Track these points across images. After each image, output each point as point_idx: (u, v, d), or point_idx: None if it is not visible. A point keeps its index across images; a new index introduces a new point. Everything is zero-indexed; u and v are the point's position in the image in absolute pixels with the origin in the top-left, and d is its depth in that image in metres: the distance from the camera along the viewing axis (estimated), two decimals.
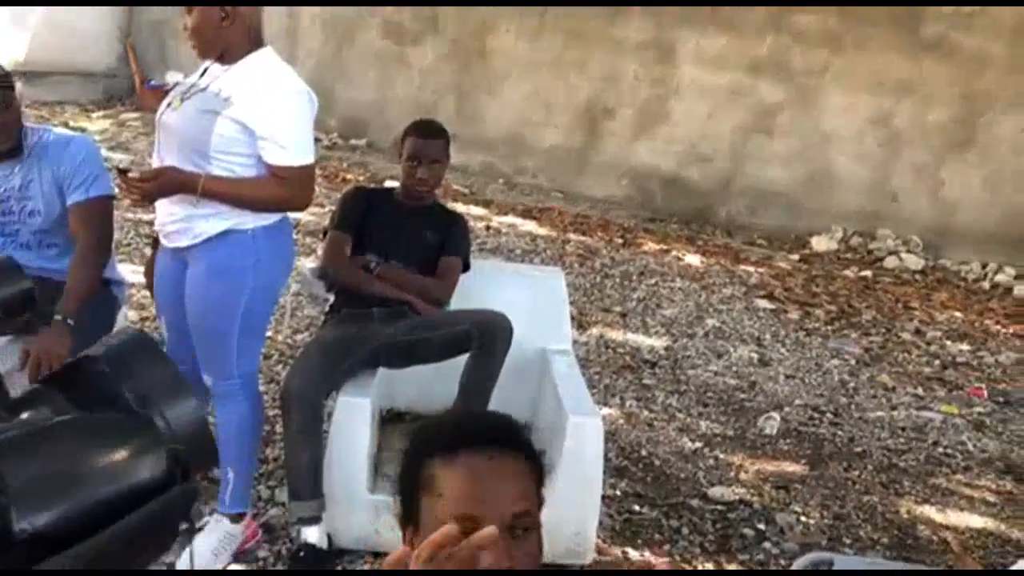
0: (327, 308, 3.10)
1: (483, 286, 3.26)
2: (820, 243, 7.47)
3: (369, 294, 2.97)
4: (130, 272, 3.79)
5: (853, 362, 5.14)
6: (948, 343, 5.65)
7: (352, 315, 2.94)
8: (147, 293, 4.43)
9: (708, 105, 7.85)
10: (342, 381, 2.78)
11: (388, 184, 3.39)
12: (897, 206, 7.50)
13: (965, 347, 5.61)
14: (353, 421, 2.72)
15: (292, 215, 2.63)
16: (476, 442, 1.16)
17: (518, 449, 1.18)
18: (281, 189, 2.40)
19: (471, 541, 0.87)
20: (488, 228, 6.80)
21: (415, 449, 1.19)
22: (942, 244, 7.38)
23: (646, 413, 4.16)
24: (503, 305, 2.98)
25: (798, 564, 1.59)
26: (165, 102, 2.48)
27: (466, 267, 3.21)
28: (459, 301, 3.12)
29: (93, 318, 2.64)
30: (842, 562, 1.55)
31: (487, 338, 2.80)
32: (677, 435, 3.98)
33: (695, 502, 3.43)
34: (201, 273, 2.45)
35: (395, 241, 3.05)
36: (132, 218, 5.58)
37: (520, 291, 3.32)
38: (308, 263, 4.59)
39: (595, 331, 5.08)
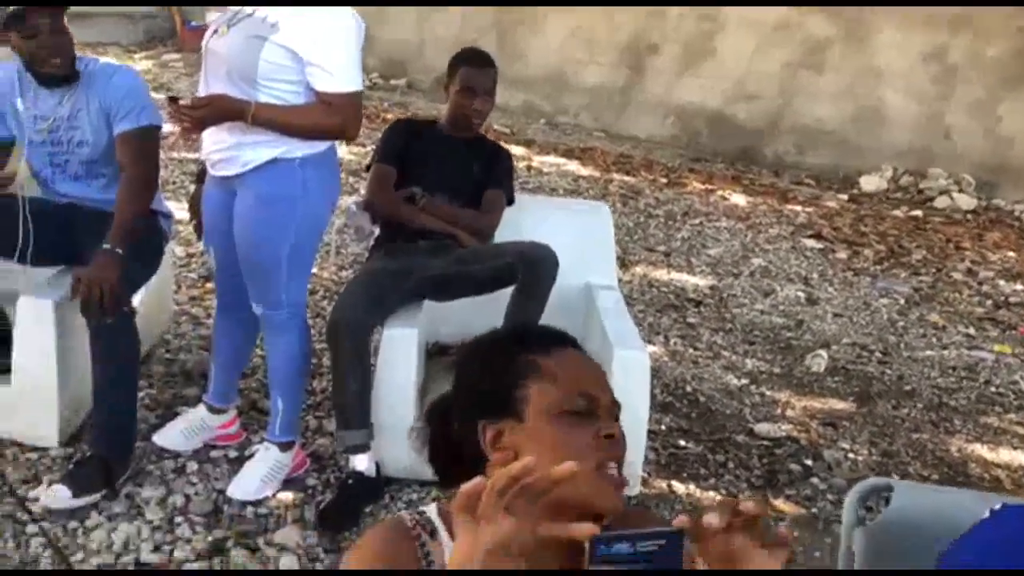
0: (372, 241, 3.09)
1: (527, 221, 3.23)
2: (869, 182, 7.31)
3: (414, 227, 2.95)
4: (175, 210, 3.80)
5: (902, 301, 5.05)
6: (1001, 283, 5.52)
7: (397, 248, 2.93)
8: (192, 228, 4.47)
9: (755, 41, 7.65)
10: (388, 313, 2.78)
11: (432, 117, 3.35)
12: (950, 144, 7.30)
13: (1019, 287, 5.48)
14: (400, 352, 2.73)
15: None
16: (562, 342, 1.19)
17: None
18: (330, 116, 2.37)
19: (550, 474, 0.84)
20: (529, 168, 6.73)
21: (505, 346, 1.19)
22: (996, 183, 7.18)
23: (691, 351, 4.12)
24: (547, 240, 2.94)
25: (855, 491, 1.56)
26: (211, 28, 2.46)
27: (510, 201, 3.17)
28: (503, 236, 3.09)
29: (142, 248, 2.65)
30: (901, 488, 1.52)
31: (532, 270, 2.77)
32: (722, 372, 3.95)
33: (741, 438, 3.41)
34: (249, 202, 2.45)
35: (440, 174, 3.02)
36: (176, 157, 5.60)
37: (565, 226, 3.27)
38: (352, 199, 4.59)
39: (639, 270, 5.04)
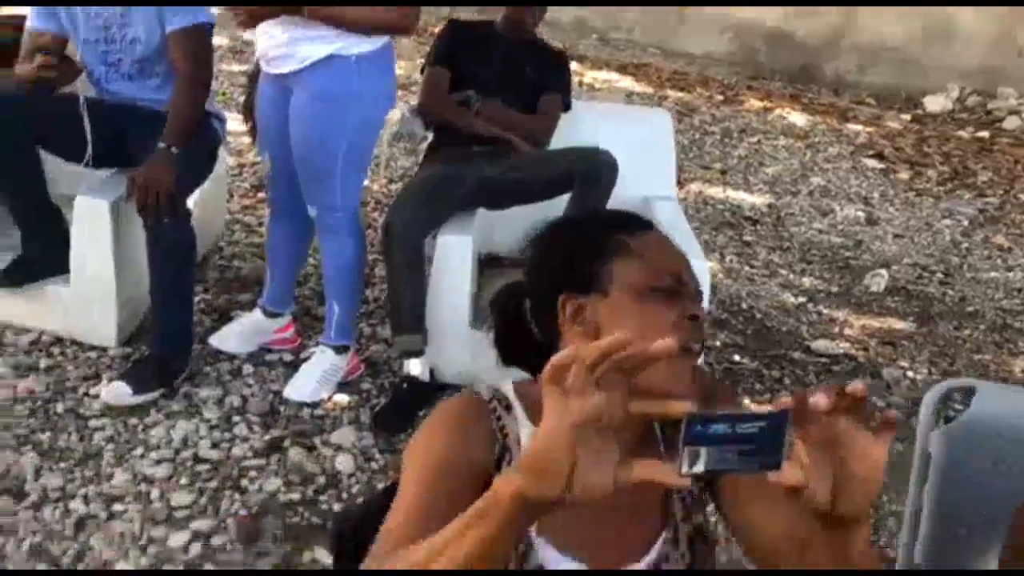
0: (425, 147, 3.03)
1: (584, 127, 3.15)
2: (934, 102, 7.04)
3: (468, 132, 2.88)
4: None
5: (966, 223, 4.90)
6: None
7: (451, 153, 2.87)
8: (245, 140, 4.45)
9: None
10: (442, 219, 2.74)
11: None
12: (1022, 62, 6.98)
13: None
14: (454, 258, 2.70)
15: None
16: (649, 226, 1.16)
17: None
18: (387, 10, 2.31)
19: (646, 350, 0.78)
20: (581, 84, 6.57)
21: (591, 225, 1.18)
22: None
23: (747, 268, 4.05)
24: (605, 147, 2.86)
25: (934, 391, 1.51)
26: None
27: (567, 107, 3.09)
28: (559, 143, 3.02)
29: (196, 149, 2.63)
30: (985, 389, 1.46)
31: (590, 176, 2.70)
32: (779, 290, 3.87)
33: (797, 354, 3.35)
34: (305, 101, 2.41)
35: (495, 77, 2.93)
36: (225, 69, 5.56)
37: (623, 133, 3.17)
38: (404, 105, 4.53)
39: (694, 187, 4.93)
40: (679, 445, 0.78)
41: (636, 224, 1.15)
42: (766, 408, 0.79)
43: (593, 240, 1.12)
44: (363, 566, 0.92)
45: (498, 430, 1.07)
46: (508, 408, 1.09)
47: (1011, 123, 6.75)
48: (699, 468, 0.78)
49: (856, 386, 0.80)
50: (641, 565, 1.07)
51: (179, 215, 2.51)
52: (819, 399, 0.78)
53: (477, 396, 1.10)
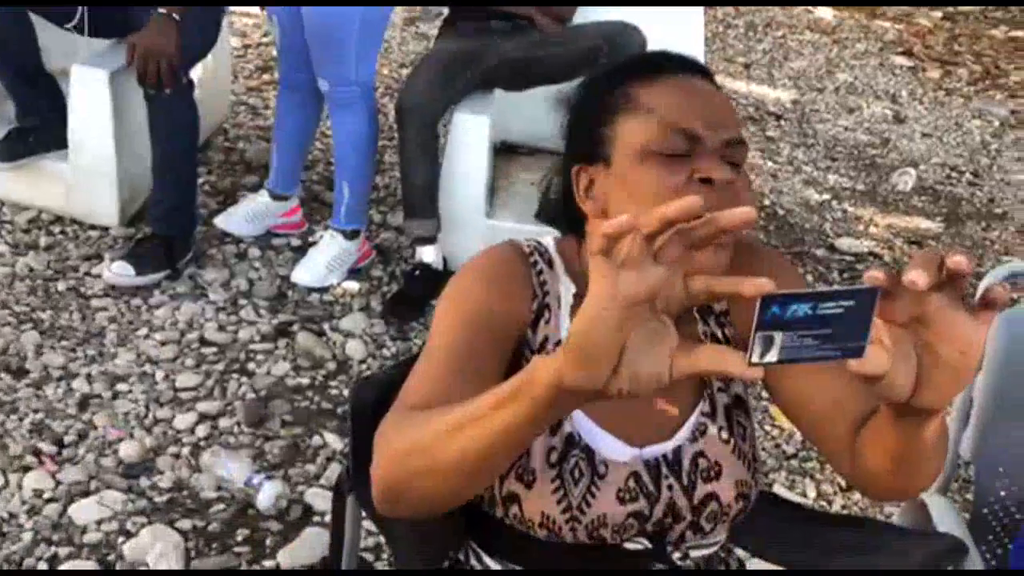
0: (440, 22, 2.87)
1: (609, 8, 2.96)
2: None
3: (487, 5, 2.71)
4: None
5: (997, 124, 4.73)
6: None
7: (469, 28, 2.70)
8: (249, 21, 4.27)
9: None
10: (458, 97, 2.60)
11: None
12: None
13: None
14: (470, 139, 2.58)
15: None
16: (677, 67, 0.96)
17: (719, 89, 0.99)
18: None
19: (718, 220, 0.64)
20: None
21: (608, 76, 0.98)
22: None
23: (770, 164, 3.91)
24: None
25: (992, 275, 1.41)
26: None
27: None
28: (582, 19, 2.85)
29: (198, 16, 2.46)
30: None
31: (616, 53, 2.54)
32: (803, 187, 3.75)
33: (820, 252, 3.25)
34: None
35: None
36: None
37: (650, 18, 2.99)
38: None
39: (716, 80, 4.74)
40: (752, 331, 0.66)
41: (657, 67, 0.96)
42: (850, 285, 0.66)
43: (600, 96, 0.95)
44: (380, 427, 0.83)
45: (538, 285, 0.96)
46: (550, 263, 0.98)
47: None
48: (772, 357, 0.65)
49: (959, 259, 0.65)
50: (677, 437, 0.98)
51: (181, 86, 2.38)
52: (917, 277, 0.63)
53: (517, 245, 0.99)
